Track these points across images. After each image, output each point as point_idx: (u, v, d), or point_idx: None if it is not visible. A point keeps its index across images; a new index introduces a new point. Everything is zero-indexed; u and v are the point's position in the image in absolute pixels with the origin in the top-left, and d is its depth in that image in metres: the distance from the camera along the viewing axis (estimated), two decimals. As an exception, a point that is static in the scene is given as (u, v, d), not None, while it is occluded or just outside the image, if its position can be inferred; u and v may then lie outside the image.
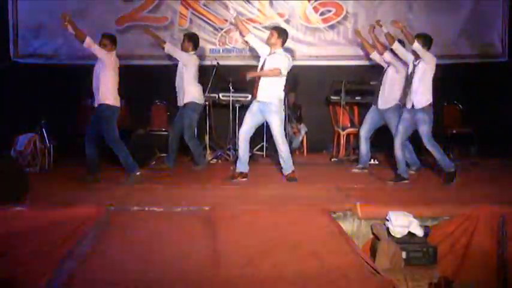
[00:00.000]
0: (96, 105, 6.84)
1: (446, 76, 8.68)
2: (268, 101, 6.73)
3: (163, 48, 7.75)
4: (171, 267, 3.91)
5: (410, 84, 6.66)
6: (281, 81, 6.81)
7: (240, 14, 9.52)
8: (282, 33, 6.86)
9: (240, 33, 7.11)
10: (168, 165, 7.79)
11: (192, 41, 7.78)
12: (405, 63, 7.02)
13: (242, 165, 6.93)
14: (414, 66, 6.68)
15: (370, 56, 7.84)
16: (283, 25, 9.45)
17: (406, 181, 6.85)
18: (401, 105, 7.20)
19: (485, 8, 9.71)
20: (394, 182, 6.85)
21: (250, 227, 4.77)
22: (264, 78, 6.77)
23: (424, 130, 6.56)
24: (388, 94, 7.37)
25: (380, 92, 7.47)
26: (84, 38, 6.58)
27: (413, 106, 6.62)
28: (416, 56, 6.62)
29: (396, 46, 6.92)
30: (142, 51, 9.21)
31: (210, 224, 4.82)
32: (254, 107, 6.86)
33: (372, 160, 8.22)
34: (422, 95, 6.57)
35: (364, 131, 7.61)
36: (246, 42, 7.41)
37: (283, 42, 6.85)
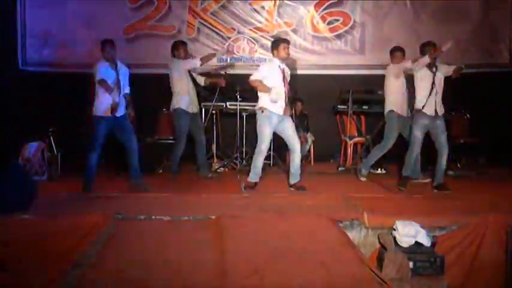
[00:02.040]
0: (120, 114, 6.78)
1: (453, 86, 8.67)
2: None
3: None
4: (178, 277, 3.90)
5: (433, 92, 6.71)
6: None
7: (248, 24, 9.58)
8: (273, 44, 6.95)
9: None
10: (177, 173, 7.80)
11: (185, 46, 7.86)
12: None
13: (257, 176, 6.93)
14: (433, 73, 6.73)
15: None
16: (291, 34, 9.51)
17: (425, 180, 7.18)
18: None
19: (493, 18, 9.71)
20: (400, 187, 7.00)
21: (257, 236, 4.77)
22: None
23: (446, 136, 6.71)
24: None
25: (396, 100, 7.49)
26: None
27: (436, 113, 6.72)
28: (430, 64, 6.72)
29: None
30: (150, 60, 9.25)
31: (217, 233, 4.82)
32: (274, 120, 6.79)
33: (379, 169, 8.21)
34: (441, 102, 6.73)
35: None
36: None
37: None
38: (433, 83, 6.78)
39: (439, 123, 6.83)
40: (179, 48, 7.77)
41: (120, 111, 6.71)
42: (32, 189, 5.59)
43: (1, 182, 5.35)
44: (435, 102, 6.79)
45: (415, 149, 6.85)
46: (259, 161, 6.85)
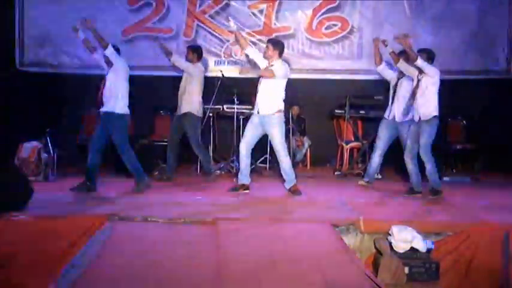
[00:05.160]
0: (103, 112, 6.71)
1: (450, 92, 8.70)
2: (269, 114, 6.70)
3: (169, 59, 7.81)
4: (173, 279, 3.89)
5: (414, 98, 6.67)
6: (279, 92, 6.75)
7: (246, 27, 9.58)
8: (277, 45, 6.80)
9: (240, 47, 7.10)
10: (169, 176, 7.80)
11: (196, 52, 7.87)
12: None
13: (244, 177, 6.92)
14: (418, 80, 6.69)
15: (377, 68, 7.58)
16: (289, 38, 9.50)
17: (419, 195, 6.84)
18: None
19: (490, 25, 9.74)
20: (407, 195, 6.87)
21: (252, 239, 4.76)
22: (262, 91, 6.75)
23: (423, 140, 6.57)
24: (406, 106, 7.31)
25: (396, 104, 7.37)
26: (107, 44, 6.55)
27: (420, 119, 6.63)
28: (420, 71, 6.63)
29: (400, 64, 6.96)
30: (148, 61, 9.25)
31: (213, 236, 4.81)
32: (255, 119, 6.82)
33: (376, 174, 8.22)
34: (427, 108, 6.60)
35: (380, 145, 7.52)
36: (246, 55, 7.38)
37: (280, 53, 6.76)
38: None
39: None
40: (188, 53, 7.91)
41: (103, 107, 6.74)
42: (27, 189, 5.57)
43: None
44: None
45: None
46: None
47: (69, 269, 4.01)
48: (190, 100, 7.74)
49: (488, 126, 9.21)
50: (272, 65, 6.67)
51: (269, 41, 6.97)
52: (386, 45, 7.26)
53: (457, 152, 9.18)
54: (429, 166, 6.62)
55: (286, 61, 7.06)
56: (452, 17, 9.70)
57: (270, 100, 6.72)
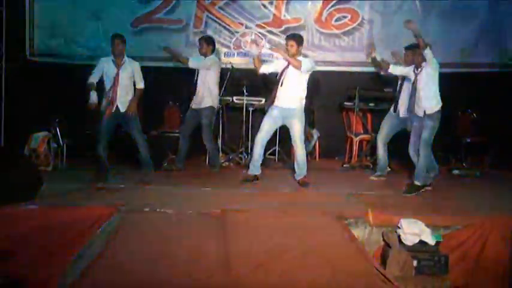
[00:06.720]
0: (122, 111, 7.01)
1: (461, 84, 8.63)
2: (290, 107, 6.77)
3: (186, 64, 7.82)
4: (181, 270, 3.91)
5: (415, 92, 6.63)
6: (303, 86, 6.84)
7: (256, 18, 9.55)
8: (301, 42, 6.90)
9: (257, 69, 7.10)
10: (178, 167, 7.82)
11: (211, 43, 7.91)
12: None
13: (255, 168, 6.94)
14: (416, 74, 6.64)
15: (389, 71, 7.43)
16: (299, 30, 9.44)
17: (426, 188, 6.69)
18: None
19: (501, 17, 9.63)
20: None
21: (261, 231, 4.77)
22: (286, 84, 6.80)
23: (426, 135, 6.50)
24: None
25: (400, 100, 7.37)
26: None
27: (424, 113, 6.57)
28: (417, 66, 6.62)
29: (393, 69, 6.96)
30: (157, 52, 9.21)
31: (221, 227, 4.82)
32: (275, 112, 6.87)
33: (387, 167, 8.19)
34: (430, 101, 6.54)
35: (382, 137, 7.56)
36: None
37: (301, 48, 6.86)
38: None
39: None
40: (201, 45, 7.96)
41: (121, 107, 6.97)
42: (38, 179, 5.60)
43: (7, 172, 5.36)
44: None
45: None
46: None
47: (78, 259, 4.03)
48: (210, 93, 7.80)
49: (499, 119, 9.12)
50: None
51: (293, 38, 6.96)
52: (374, 51, 7.31)
53: (467, 145, 9.11)
54: (421, 164, 6.54)
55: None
56: (463, 10, 9.59)
57: (294, 93, 6.80)
